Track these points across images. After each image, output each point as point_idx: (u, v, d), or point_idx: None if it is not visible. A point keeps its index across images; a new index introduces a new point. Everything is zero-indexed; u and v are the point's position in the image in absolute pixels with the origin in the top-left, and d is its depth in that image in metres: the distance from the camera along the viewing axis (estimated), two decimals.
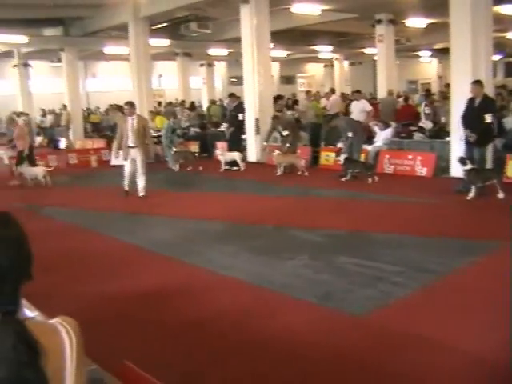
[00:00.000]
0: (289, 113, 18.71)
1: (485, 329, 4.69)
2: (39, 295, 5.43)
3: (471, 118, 10.29)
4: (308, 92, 20.29)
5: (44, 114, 27.18)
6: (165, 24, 22.55)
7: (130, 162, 11.44)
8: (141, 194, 11.54)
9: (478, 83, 10.34)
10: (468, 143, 10.35)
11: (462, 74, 11.40)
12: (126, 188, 11.70)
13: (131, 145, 11.31)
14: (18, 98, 28.36)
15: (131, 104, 11.71)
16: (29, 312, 3.12)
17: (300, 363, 4.28)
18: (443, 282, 5.98)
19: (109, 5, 20.15)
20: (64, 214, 10.68)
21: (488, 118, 10.08)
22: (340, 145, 13.13)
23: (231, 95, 16.50)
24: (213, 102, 24.88)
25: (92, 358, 3.05)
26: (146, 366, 3.43)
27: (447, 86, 16.09)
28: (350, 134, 12.54)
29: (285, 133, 14.22)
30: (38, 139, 25.42)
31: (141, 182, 11.51)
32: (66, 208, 11.18)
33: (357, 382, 4.00)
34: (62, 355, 1.46)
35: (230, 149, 15.43)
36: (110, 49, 24.69)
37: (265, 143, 15.07)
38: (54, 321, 1.53)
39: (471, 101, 10.40)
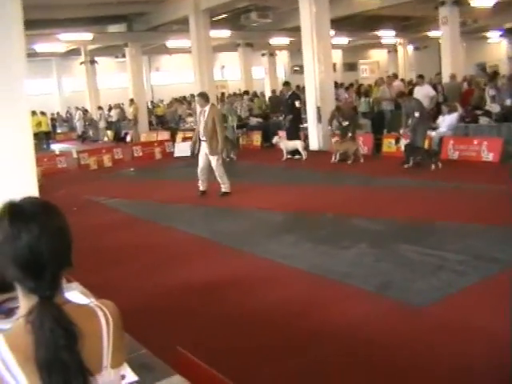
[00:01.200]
0: (362, 100, 18.57)
1: None
2: (106, 287, 5.68)
3: None
4: (379, 79, 19.95)
5: (110, 109, 27.86)
6: (225, 15, 22.72)
7: (201, 156, 10.82)
8: (222, 190, 10.92)
9: None
10: None
11: None
12: (200, 187, 11.07)
13: (202, 138, 10.76)
14: (85, 94, 29.23)
15: (202, 95, 11.10)
16: (84, 298, 3.24)
17: (361, 353, 4.28)
18: (509, 272, 5.80)
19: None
20: (129, 205, 10.96)
21: None
22: (401, 131, 12.87)
23: (285, 84, 16.45)
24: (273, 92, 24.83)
25: (146, 345, 3.15)
26: (204, 355, 3.51)
27: None
28: (416, 114, 12.23)
29: (345, 123, 14.10)
30: (108, 133, 26.17)
31: (219, 179, 10.88)
32: (130, 200, 11.47)
33: (412, 374, 3.95)
34: (99, 338, 1.53)
35: (289, 137, 15.40)
36: (172, 42, 25.06)
37: (329, 127, 14.96)
38: (93, 304, 1.59)
39: None
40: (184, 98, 27.67)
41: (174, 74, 33.75)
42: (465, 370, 3.94)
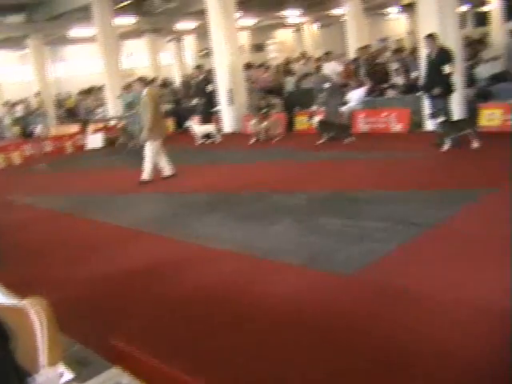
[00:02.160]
0: (289, 79, 18.58)
1: (473, 276, 4.80)
2: (28, 283, 5.52)
3: (430, 71, 10.39)
4: (286, 59, 20.17)
5: (14, 104, 26.76)
6: (129, 1, 22.24)
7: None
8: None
9: (429, 37, 10.41)
10: (431, 97, 10.42)
11: (429, 27, 11.38)
12: (166, 172, 10.92)
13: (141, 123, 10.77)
14: None
15: (139, 79, 11.08)
16: (6, 299, 3.14)
17: (295, 327, 4.35)
18: (427, 234, 6.04)
19: None
20: (45, 201, 10.65)
21: (446, 69, 10.14)
22: (313, 108, 13.15)
23: (197, 67, 16.36)
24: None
25: (78, 339, 3.10)
26: (138, 341, 3.50)
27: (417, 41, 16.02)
28: (327, 85, 12.56)
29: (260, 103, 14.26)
30: (14, 129, 25.14)
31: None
32: (45, 195, 11.15)
33: (349, 340, 4.06)
34: (33, 337, 1.49)
35: (203, 121, 15.38)
36: (75, 31, 24.28)
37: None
38: (23, 303, 1.56)
39: (428, 55, 10.49)
40: (91, 88, 26.94)
41: (81, 64, 32.78)
42: (394, 329, 4.11)
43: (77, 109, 25.15)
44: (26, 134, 23.27)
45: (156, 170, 10.79)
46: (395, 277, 5.03)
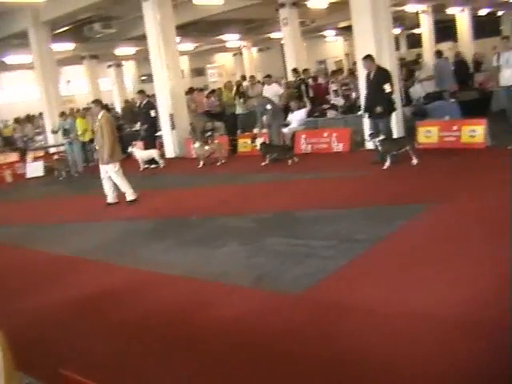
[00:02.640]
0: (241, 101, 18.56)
1: (419, 289, 4.92)
2: None
3: (370, 91, 10.67)
4: (227, 83, 20.24)
5: None
6: (67, 27, 21.99)
7: (101, 166, 10.65)
8: (128, 198, 10.68)
9: (366, 58, 10.73)
10: (373, 116, 10.68)
11: (366, 49, 11.71)
12: (108, 199, 10.77)
13: (96, 147, 10.69)
14: None
15: (96, 101, 10.86)
16: None
17: (245, 347, 4.36)
18: (373, 249, 6.16)
19: (6, 12, 19.42)
20: None
21: (387, 88, 10.44)
22: (256, 130, 13.31)
23: (139, 92, 16.32)
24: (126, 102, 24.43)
25: (28, 371, 3.03)
26: (86, 368, 3.44)
27: (354, 63, 16.45)
28: (269, 106, 12.75)
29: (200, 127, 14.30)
30: None
31: (120, 188, 10.69)
32: None
33: (298, 359, 4.08)
34: None
35: (146, 147, 15.30)
36: (11, 58, 23.84)
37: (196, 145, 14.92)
38: None
39: (367, 76, 10.80)
40: (30, 116, 26.42)
41: (19, 91, 32.15)
42: (345, 346, 4.16)
43: (14, 137, 24.58)
44: None
45: (105, 194, 10.67)
46: (343, 293, 5.11)
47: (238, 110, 16.96)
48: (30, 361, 4.17)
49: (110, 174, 10.50)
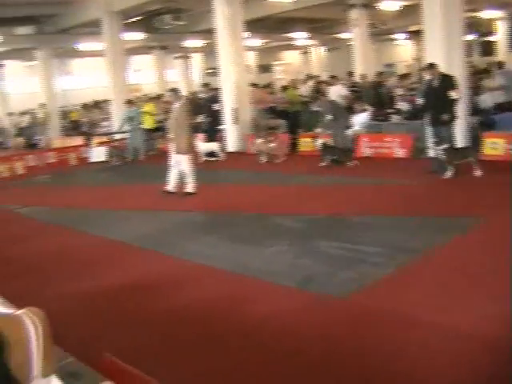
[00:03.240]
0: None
1: (465, 303, 4.77)
2: (24, 296, 5.51)
3: (433, 99, 10.31)
4: (293, 80, 20.22)
5: (21, 115, 26.92)
6: (138, 18, 22.43)
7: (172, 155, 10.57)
8: (187, 190, 10.62)
9: (430, 66, 10.36)
10: (435, 124, 10.38)
11: (436, 54, 11.45)
12: (168, 187, 10.68)
13: (170, 136, 10.56)
14: None
15: (173, 90, 10.87)
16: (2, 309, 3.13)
17: (282, 348, 4.32)
18: (422, 260, 6.04)
19: (81, 1, 19.98)
20: (45, 212, 10.65)
21: (453, 95, 10.12)
22: (318, 130, 13.19)
23: (204, 85, 16.42)
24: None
25: (72, 352, 3.07)
26: (130, 357, 3.44)
27: (423, 68, 16.06)
28: (329, 117, 12.59)
29: (263, 123, 14.26)
30: (18, 140, 25.28)
31: (185, 178, 10.60)
32: (46, 207, 11.13)
33: (338, 362, 4.04)
34: (27, 346, 1.47)
35: (208, 139, 15.40)
36: (84, 45, 24.49)
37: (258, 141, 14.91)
38: (19, 312, 1.54)
39: (429, 83, 10.43)
40: (97, 102, 27.07)
41: (88, 77, 32.98)
42: (385, 353, 4.07)
43: (81, 121, 25.26)
44: (30, 145, 23.41)
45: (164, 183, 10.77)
46: (388, 301, 5.01)
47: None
48: (73, 342, 4.25)
49: (184, 164, 10.42)
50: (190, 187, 10.57)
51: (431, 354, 3.99)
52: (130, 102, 17.22)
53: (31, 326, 1.49)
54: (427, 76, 10.53)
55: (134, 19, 22.17)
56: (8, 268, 7.01)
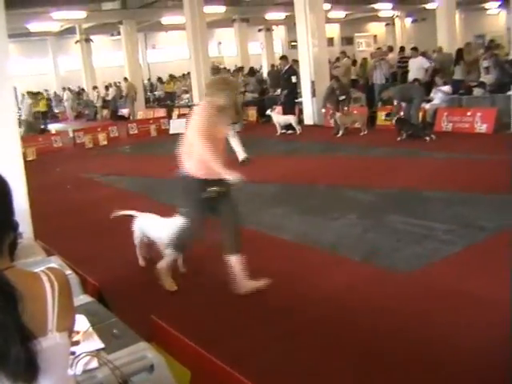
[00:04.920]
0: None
1: None
2: (92, 259, 5.74)
3: None
4: (377, 49, 19.66)
5: (107, 87, 27.79)
6: None
7: None
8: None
9: None
10: None
11: None
12: None
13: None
14: (81, 73, 29.13)
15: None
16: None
17: (347, 317, 4.36)
18: (493, 238, 5.82)
19: None
20: (124, 181, 11.00)
21: None
22: (395, 103, 12.91)
23: (282, 58, 16.34)
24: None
25: (123, 315, 3.19)
26: (183, 320, 3.53)
27: None
28: (395, 103, 12.40)
29: (342, 98, 14.03)
30: (104, 112, 26.17)
31: None
32: (125, 176, 11.50)
33: (401, 337, 4.01)
34: (42, 301, 1.54)
35: (285, 112, 15.36)
36: (167, 19, 24.86)
37: (323, 110, 14.83)
38: (38, 270, 1.62)
39: None
40: (183, 75, 27.45)
41: (171, 51, 33.55)
42: (446, 333, 4.00)
43: (175, 93, 25.70)
44: (116, 117, 24.17)
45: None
46: (454, 279, 4.91)
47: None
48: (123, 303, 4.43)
49: None
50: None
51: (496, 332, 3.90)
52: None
53: (47, 282, 1.56)
54: None
55: None
56: (84, 232, 7.33)
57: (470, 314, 4.24)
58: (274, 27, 32.02)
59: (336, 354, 3.87)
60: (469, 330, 3.99)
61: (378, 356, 3.78)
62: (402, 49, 19.25)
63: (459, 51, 15.55)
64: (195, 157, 4.70)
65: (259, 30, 31.29)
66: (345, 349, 3.92)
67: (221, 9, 23.86)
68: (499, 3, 32.77)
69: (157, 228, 5.51)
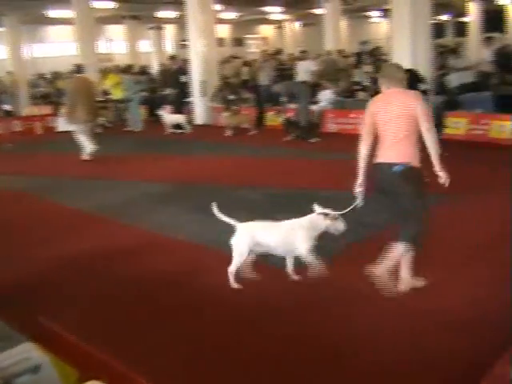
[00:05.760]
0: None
1: (437, 286, 4.88)
2: None
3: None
4: (263, 51, 20.02)
5: None
6: None
7: None
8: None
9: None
10: None
11: (401, 34, 11.62)
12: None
13: None
14: None
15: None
16: None
17: (239, 321, 4.43)
18: (379, 235, 6.11)
19: None
20: (7, 181, 10.54)
21: (422, 87, 10.31)
22: (283, 104, 13.28)
23: (171, 57, 16.32)
24: None
25: (5, 316, 3.10)
26: (80, 325, 3.47)
27: None
28: (284, 99, 12.75)
29: (230, 97, 14.17)
30: None
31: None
32: (8, 175, 11.03)
33: (284, 330, 4.17)
34: None
35: (175, 111, 15.33)
36: (53, 12, 23.98)
37: (209, 104, 15.04)
38: None
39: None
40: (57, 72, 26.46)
41: (58, 45, 32.40)
42: (330, 326, 4.17)
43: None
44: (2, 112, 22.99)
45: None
46: (342, 276, 5.13)
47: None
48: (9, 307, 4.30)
49: None
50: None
51: (372, 325, 4.11)
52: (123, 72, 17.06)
53: None
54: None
55: None
56: None
57: (347, 308, 4.48)
58: (165, 26, 31.81)
59: (234, 353, 3.96)
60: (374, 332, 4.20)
61: (275, 357, 3.90)
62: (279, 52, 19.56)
63: (359, 55, 16.24)
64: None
65: (150, 28, 30.96)
66: (242, 349, 4.01)
67: (110, 4, 23.32)
68: (380, 13, 34.38)
69: (274, 235, 4.95)
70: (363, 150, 4.79)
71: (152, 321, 4.45)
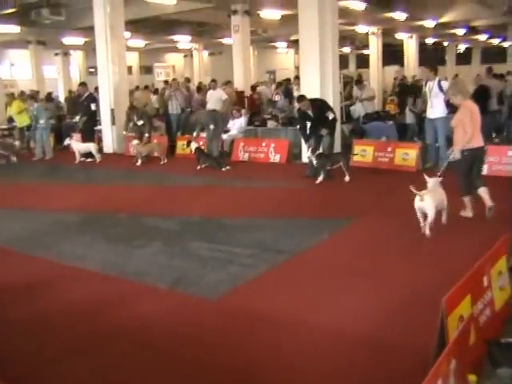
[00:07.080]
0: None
1: (332, 302, 5.08)
2: None
3: (312, 122, 10.75)
4: (173, 80, 19.98)
5: None
6: (14, 9, 21.39)
7: None
8: None
9: (301, 99, 10.85)
10: (314, 137, 10.82)
11: (310, 63, 11.99)
12: None
13: None
14: None
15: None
16: None
17: (150, 351, 4.32)
18: (293, 260, 6.31)
19: None
20: None
21: (331, 115, 10.69)
22: (195, 134, 13.34)
23: (81, 84, 16.04)
24: None
25: None
26: None
27: (297, 77, 16.60)
28: (211, 127, 12.82)
29: (139, 122, 14.04)
30: None
31: None
32: None
33: (210, 364, 4.11)
34: None
35: (84, 140, 15.03)
36: None
37: (124, 132, 14.90)
38: None
39: (304, 113, 10.79)
40: None
41: None
42: (256, 353, 4.22)
43: None
44: None
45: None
46: (258, 301, 5.18)
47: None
48: None
49: None
50: None
51: (300, 350, 4.20)
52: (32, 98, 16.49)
53: None
54: (301, 107, 10.83)
55: (10, 11, 21.11)
56: None
57: (273, 334, 4.50)
58: (71, 52, 31.26)
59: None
60: (277, 351, 4.25)
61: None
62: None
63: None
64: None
65: (56, 54, 30.32)
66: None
67: (15, 29, 22.66)
68: (287, 44, 35.39)
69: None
70: None
71: (63, 357, 4.31)
